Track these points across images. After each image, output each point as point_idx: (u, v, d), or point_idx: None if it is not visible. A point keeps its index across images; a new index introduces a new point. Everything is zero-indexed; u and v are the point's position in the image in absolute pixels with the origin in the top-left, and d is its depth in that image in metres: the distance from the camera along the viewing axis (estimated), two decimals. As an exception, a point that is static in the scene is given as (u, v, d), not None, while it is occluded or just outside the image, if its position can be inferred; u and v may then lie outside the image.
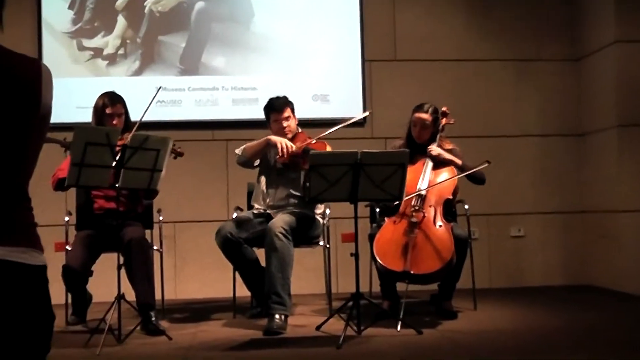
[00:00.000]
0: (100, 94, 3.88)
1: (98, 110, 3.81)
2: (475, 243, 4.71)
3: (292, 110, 4.03)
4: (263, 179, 4.08)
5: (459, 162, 3.93)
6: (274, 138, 3.87)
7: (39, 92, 1.40)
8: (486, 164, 3.85)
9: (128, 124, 3.82)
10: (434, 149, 3.92)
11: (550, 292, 5.09)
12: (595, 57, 5.33)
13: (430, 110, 3.99)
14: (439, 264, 3.56)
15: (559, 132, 5.54)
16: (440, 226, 3.70)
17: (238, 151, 4.02)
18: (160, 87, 3.90)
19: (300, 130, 4.08)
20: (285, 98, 4.05)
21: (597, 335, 3.48)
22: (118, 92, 3.95)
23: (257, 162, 4.06)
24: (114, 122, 3.77)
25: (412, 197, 3.77)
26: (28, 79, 1.39)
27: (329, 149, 3.87)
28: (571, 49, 5.55)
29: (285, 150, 3.79)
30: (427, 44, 5.48)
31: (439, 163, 3.92)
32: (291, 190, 4.01)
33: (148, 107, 3.58)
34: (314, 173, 3.37)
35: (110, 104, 3.79)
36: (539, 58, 5.55)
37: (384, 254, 3.62)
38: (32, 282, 1.35)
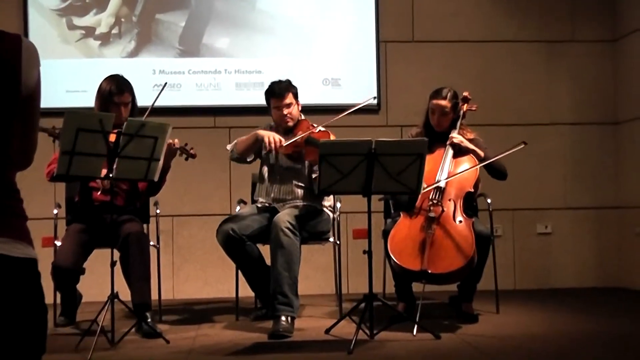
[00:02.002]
0: (107, 77, 3.88)
1: (104, 95, 3.81)
2: (498, 240, 4.72)
3: (295, 96, 4.04)
4: (266, 171, 4.11)
5: (482, 153, 3.93)
6: (261, 132, 3.92)
7: (18, 71, 1.35)
8: (522, 145, 3.81)
9: (134, 111, 3.85)
10: (456, 136, 3.92)
11: (581, 294, 5.08)
12: (634, 38, 5.29)
13: (449, 95, 3.99)
14: (459, 263, 3.57)
15: (593, 120, 5.52)
16: (461, 222, 3.71)
17: (230, 147, 4.06)
18: (166, 83, 3.99)
19: (303, 117, 4.09)
20: (287, 82, 4.05)
21: (632, 342, 3.47)
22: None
23: (250, 158, 4.09)
24: (121, 111, 3.77)
25: (430, 190, 3.78)
26: (3, 56, 1.34)
27: (332, 138, 3.87)
28: (608, 28, 5.53)
29: (272, 145, 3.82)
30: (449, 24, 5.47)
31: (460, 152, 3.92)
32: (296, 182, 4.03)
33: (153, 103, 3.78)
34: (325, 163, 3.38)
35: (117, 92, 3.79)
36: (573, 39, 5.53)
37: (400, 252, 3.63)
38: (13, 275, 1.34)
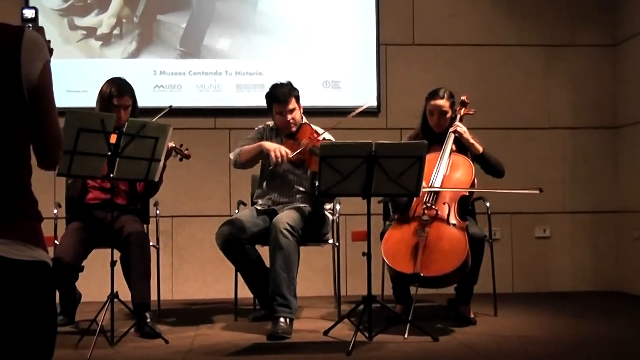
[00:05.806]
0: (108, 80, 3.89)
1: (104, 98, 3.82)
2: (496, 244, 4.73)
3: (297, 99, 4.03)
4: (267, 174, 4.11)
5: (480, 148, 3.94)
6: (267, 145, 3.88)
7: (17, 63, 1.28)
8: (537, 191, 3.86)
9: (135, 115, 3.85)
10: (461, 126, 3.93)
11: (578, 298, 5.10)
12: (634, 42, 5.32)
13: (446, 95, 4.01)
14: (451, 266, 3.56)
15: (593, 125, 5.54)
16: (454, 225, 3.70)
17: (232, 156, 4.06)
18: (170, 106, 4.03)
19: (305, 120, 4.09)
20: (289, 85, 4.03)
21: (629, 347, 3.49)
22: (112, 75, 3.98)
23: (253, 165, 4.10)
24: (121, 114, 3.78)
25: (424, 193, 3.77)
26: (2, 48, 1.28)
27: None
28: (607, 33, 5.55)
29: (279, 159, 3.81)
30: (449, 27, 5.49)
31: (459, 144, 3.93)
32: (297, 186, 4.05)
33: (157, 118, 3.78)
34: (325, 165, 3.39)
35: (117, 95, 3.80)
36: (572, 43, 5.55)
37: (393, 255, 3.63)
38: (16, 278, 1.29)
